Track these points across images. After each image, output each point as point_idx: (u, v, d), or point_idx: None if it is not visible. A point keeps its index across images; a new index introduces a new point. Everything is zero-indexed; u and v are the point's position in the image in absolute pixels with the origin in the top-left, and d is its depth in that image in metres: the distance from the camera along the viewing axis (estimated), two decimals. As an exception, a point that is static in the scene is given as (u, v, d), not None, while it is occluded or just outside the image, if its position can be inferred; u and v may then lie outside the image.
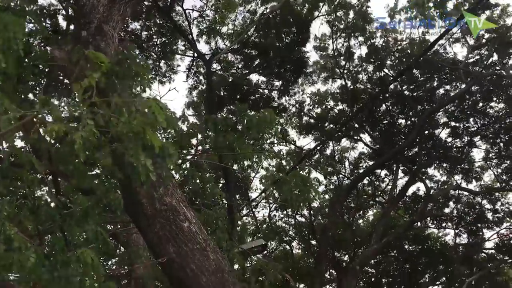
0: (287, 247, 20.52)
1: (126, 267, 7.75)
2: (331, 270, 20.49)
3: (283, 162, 17.99)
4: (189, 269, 4.80)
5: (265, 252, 19.12)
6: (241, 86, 16.41)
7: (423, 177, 17.09)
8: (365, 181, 19.96)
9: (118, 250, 8.76)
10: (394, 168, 17.70)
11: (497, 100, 16.33)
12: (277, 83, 17.35)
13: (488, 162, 17.45)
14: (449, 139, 17.49)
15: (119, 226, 7.84)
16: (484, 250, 18.90)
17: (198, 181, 6.19)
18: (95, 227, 3.77)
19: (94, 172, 5.17)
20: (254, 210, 18.12)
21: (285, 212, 20.03)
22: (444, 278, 19.72)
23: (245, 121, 5.41)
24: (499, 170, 17.26)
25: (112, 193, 4.80)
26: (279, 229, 20.06)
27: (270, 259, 18.46)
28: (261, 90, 17.33)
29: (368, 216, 20.90)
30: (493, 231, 18.43)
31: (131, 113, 2.85)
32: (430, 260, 18.49)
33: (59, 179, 5.40)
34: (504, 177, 17.19)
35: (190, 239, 4.93)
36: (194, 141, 6.06)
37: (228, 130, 5.67)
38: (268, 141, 16.40)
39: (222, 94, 16.25)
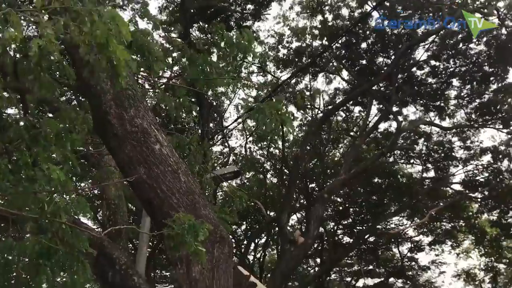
0: (261, 176, 20.99)
1: (98, 188, 7.78)
2: (302, 200, 21.24)
3: (260, 93, 17.95)
4: (159, 190, 4.85)
5: (239, 179, 19.58)
6: (213, 5, 15.79)
7: (396, 113, 17.32)
8: (339, 118, 20.27)
9: (90, 173, 8.77)
10: (368, 104, 17.84)
11: (477, 42, 16.32)
12: (250, 6, 16.80)
13: (459, 100, 17.74)
14: (428, 79, 17.57)
15: (90, 148, 7.79)
16: (449, 186, 19.68)
17: (172, 104, 6.07)
18: (64, 149, 3.68)
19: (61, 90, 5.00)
20: (228, 138, 18.22)
21: (259, 145, 20.32)
22: (408, 210, 20.71)
23: (220, 39, 5.20)
24: (469, 110, 17.65)
25: (81, 113, 4.70)
26: (254, 160, 20.43)
27: (244, 188, 18.94)
28: (233, 11, 16.71)
29: (340, 149, 21.35)
30: (460, 168, 19.16)
31: (94, 23, 2.70)
32: (396, 193, 19.23)
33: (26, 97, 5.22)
34: (474, 116, 17.61)
35: (161, 161, 4.94)
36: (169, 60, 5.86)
37: (203, 51, 5.48)
38: (246, 71, 16.25)
39: (192, 12, 15.62)
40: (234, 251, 20.17)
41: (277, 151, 20.34)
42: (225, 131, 15.82)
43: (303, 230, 15.66)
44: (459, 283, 25.21)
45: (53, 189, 3.24)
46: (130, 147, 4.85)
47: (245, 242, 22.41)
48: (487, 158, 18.49)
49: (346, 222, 21.93)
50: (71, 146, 4.40)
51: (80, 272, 3.45)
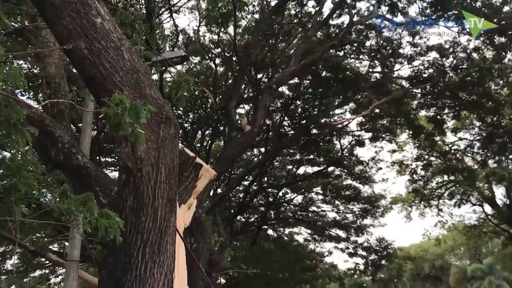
0: (211, 64, 20.60)
1: (36, 66, 7.35)
2: (250, 92, 21.31)
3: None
4: (102, 67, 4.63)
5: (186, 65, 19.16)
6: None
7: (350, 6, 17.02)
8: (292, 12, 19.70)
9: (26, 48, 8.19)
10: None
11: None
12: None
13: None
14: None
15: (26, 22, 7.20)
16: (395, 82, 20.22)
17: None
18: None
19: None
20: (175, 16, 17.30)
21: (209, 28, 19.58)
22: (352, 104, 21.42)
23: None
24: (424, 4, 17.52)
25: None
26: (203, 45, 19.83)
27: (192, 74, 18.62)
28: None
29: (291, 43, 21.04)
30: (406, 64, 19.59)
31: None
32: (342, 87, 19.62)
33: None
34: (428, 11, 17.58)
35: (103, 37, 4.67)
36: None
37: None
38: None
39: None
40: (181, 140, 20.42)
41: (228, 37, 19.75)
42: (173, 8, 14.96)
43: (250, 120, 15.91)
44: (392, 173, 27.31)
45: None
46: (69, 18, 4.51)
47: (192, 132, 22.64)
48: (433, 54, 18.98)
49: (292, 116, 22.43)
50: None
51: (20, 143, 3.34)
